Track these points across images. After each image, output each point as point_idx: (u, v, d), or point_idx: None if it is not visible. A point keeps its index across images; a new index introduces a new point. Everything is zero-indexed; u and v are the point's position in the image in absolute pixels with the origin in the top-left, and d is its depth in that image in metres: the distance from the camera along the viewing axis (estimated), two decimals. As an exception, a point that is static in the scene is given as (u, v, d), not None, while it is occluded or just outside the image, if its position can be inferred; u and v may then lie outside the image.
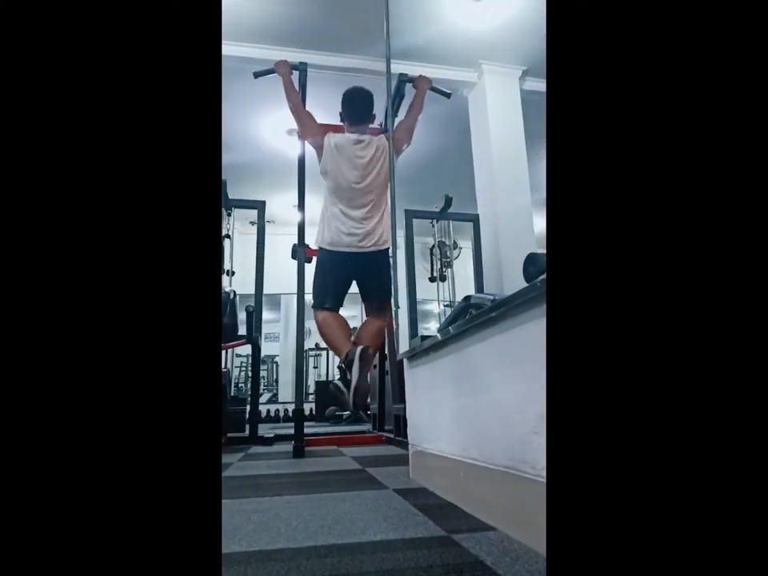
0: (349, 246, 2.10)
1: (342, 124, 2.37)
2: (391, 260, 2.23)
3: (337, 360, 2.10)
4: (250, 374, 4.52)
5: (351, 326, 2.28)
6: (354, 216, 2.13)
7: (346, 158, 2.16)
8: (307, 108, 2.60)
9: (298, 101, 2.44)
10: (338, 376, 1.97)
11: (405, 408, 2.09)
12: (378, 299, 2.16)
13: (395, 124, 2.35)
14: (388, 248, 2.17)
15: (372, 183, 2.16)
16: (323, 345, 8.82)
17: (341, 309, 2.17)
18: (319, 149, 2.23)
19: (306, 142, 2.89)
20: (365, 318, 2.22)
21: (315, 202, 2.29)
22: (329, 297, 2.10)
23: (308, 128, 2.35)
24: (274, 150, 4.87)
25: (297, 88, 2.62)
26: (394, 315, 2.07)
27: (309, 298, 2.29)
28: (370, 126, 2.36)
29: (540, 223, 3.87)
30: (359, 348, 1.82)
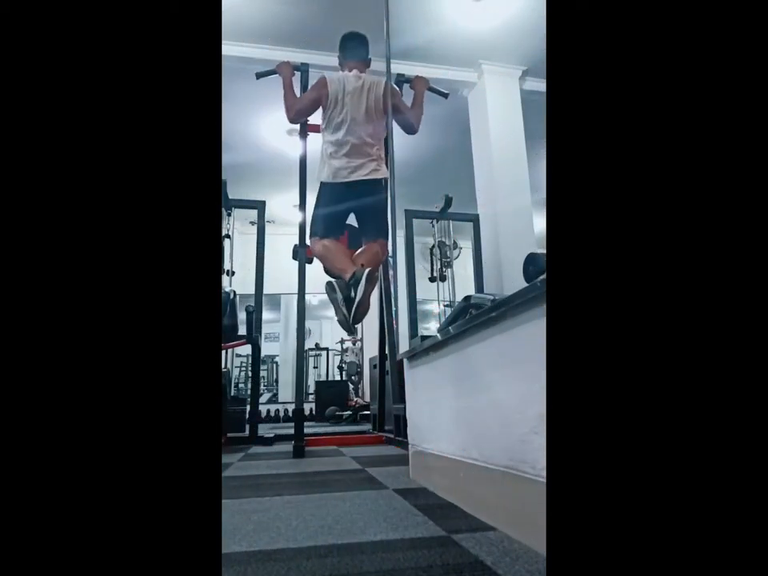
0: (347, 177, 2.16)
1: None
2: (390, 261, 2.24)
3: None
4: (250, 373, 4.52)
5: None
6: (352, 150, 2.18)
7: (344, 91, 2.23)
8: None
9: (292, 102, 2.42)
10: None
11: (405, 408, 2.09)
12: (374, 235, 2.21)
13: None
14: (385, 178, 2.22)
15: (368, 113, 2.23)
16: (323, 345, 8.85)
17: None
18: (324, 93, 2.26)
19: (306, 141, 2.91)
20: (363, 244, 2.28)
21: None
22: (330, 225, 2.16)
23: (306, 101, 2.38)
24: (274, 150, 4.87)
25: (298, 88, 2.62)
26: (390, 251, 2.12)
27: (309, 298, 2.28)
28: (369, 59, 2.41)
29: (540, 223, 3.87)
30: (366, 270, 1.85)
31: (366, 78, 2.28)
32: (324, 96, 2.26)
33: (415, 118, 2.40)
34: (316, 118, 2.50)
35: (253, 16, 3.13)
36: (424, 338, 2.02)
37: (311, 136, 2.91)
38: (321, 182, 2.24)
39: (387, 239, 2.20)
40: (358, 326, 1.86)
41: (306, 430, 2.83)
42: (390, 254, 2.27)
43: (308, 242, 2.31)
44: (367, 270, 1.85)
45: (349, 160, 2.17)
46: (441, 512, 1.20)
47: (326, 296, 2.04)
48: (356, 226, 2.30)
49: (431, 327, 6.25)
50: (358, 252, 2.19)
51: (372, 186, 2.19)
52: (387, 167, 2.24)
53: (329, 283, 1.92)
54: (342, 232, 2.22)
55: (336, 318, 1.92)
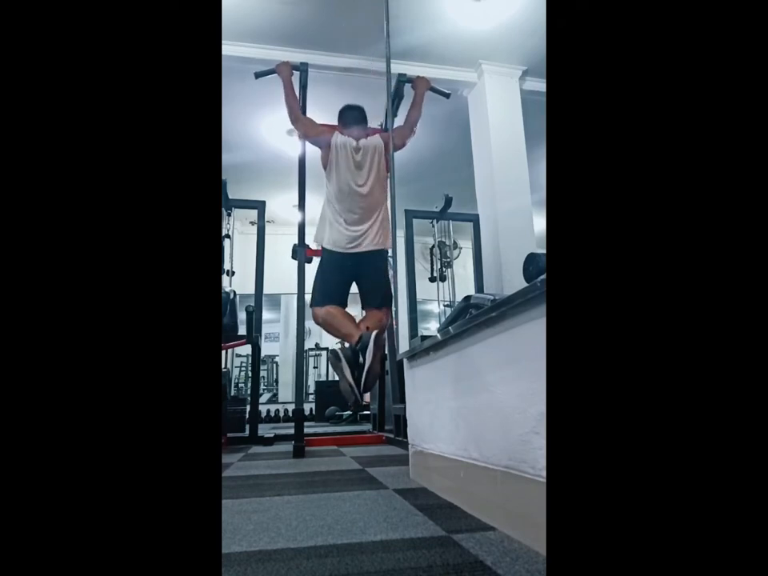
0: (348, 247, 2.14)
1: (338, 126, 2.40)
2: (390, 260, 2.24)
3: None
4: (250, 373, 4.52)
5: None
6: (354, 218, 2.16)
7: (346, 162, 2.21)
8: (308, 108, 2.60)
9: (294, 105, 2.42)
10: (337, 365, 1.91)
11: (405, 408, 2.09)
12: (376, 304, 2.17)
13: (395, 125, 2.36)
14: (386, 249, 2.20)
15: (371, 187, 2.21)
16: (323, 344, 8.84)
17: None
18: (326, 147, 2.25)
19: (306, 142, 2.90)
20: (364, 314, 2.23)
21: (315, 203, 2.30)
22: (332, 294, 2.14)
23: (310, 130, 2.36)
24: (273, 149, 4.87)
25: (297, 89, 2.62)
26: (393, 316, 2.06)
27: (308, 298, 2.28)
28: (369, 128, 2.38)
29: (540, 223, 3.87)
30: (373, 332, 1.82)
31: (367, 147, 2.24)
32: (324, 147, 2.24)
33: (412, 120, 2.39)
34: (320, 119, 2.50)
35: (253, 16, 3.13)
36: (424, 338, 2.02)
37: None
38: (322, 247, 2.21)
39: (390, 307, 2.16)
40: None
41: (306, 430, 2.83)
42: (390, 253, 2.26)
43: (310, 309, 2.22)
44: (374, 333, 1.80)
45: (351, 230, 2.15)
46: (441, 512, 1.20)
47: None
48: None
49: (431, 327, 6.26)
50: (362, 318, 2.16)
51: (374, 255, 2.16)
52: (390, 232, 2.21)
53: (332, 351, 1.86)
54: (345, 301, 2.18)
55: (340, 387, 1.85)
